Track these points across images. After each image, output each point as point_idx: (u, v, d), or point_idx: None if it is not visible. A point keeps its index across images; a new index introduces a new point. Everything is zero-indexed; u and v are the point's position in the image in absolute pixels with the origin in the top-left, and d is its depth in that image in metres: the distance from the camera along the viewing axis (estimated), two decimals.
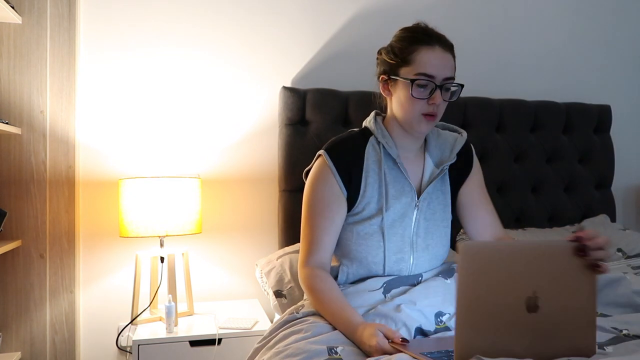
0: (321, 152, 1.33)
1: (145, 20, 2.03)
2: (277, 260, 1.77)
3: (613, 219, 2.37)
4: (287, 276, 1.67)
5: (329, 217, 1.28)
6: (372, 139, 1.34)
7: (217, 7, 2.10)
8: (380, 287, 1.27)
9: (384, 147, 1.32)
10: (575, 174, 2.35)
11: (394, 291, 1.26)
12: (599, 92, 2.56)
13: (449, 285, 1.29)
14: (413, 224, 1.31)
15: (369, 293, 1.26)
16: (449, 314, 1.22)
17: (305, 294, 1.34)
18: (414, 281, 1.30)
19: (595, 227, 2.15)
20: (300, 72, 2.17)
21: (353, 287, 1.29)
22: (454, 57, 1.28)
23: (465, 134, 1.42)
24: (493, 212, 1.42)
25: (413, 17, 2.30)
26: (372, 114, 1.40)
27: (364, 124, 1.40)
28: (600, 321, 1.13)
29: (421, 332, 1.17)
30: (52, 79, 1.93)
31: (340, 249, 1.34)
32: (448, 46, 1.26)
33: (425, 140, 1.39)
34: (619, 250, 1.96)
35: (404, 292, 1.26)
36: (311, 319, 1.21)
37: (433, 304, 1.22)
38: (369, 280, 1.29)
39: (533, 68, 2.48)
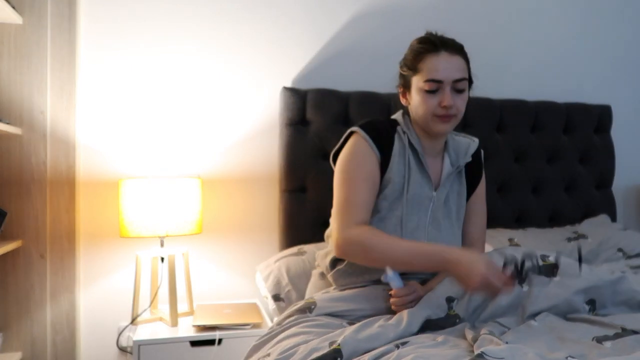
0: (355, 128, 1.37)
1: (145, 21, 2.03)
2: (274, 263, 1.80)
3: (613, 219, 2.37)
4: (285, 280, 1.71)
5: (370, 178, 1.33)
6: (399, 128, 1.40)
7: (217, 7, 2.10)
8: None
9: (408, 138, 1.38)
10: (576, 174, 2.35)
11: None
12: (599, 92, 2.56)
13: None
14: (428, 215, 1.37)
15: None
16: (457, 299, 1.23)
17: (355, 255, 1.30)
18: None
19: (596, 227, 2.15)
20: (300, 72, 2.17)
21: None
22: (464, 57, 1.34)
23: (477, 140, 1.49)
24: (481, 227, 1.48)
25: (413, 17, 2.32)
26: (400, 111, 1.46)
27: (392, 117, 1.46)
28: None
29: (429, 323, 1.18)
30: (52, 79, 1.93)
31: None
32: (455, 49, 1.32)
33: (446, 143, 1.44)
34: (619, 250, 1.96)
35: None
36: (324, 319, 1.21)
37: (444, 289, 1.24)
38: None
39: (533, 68, 2.47)
